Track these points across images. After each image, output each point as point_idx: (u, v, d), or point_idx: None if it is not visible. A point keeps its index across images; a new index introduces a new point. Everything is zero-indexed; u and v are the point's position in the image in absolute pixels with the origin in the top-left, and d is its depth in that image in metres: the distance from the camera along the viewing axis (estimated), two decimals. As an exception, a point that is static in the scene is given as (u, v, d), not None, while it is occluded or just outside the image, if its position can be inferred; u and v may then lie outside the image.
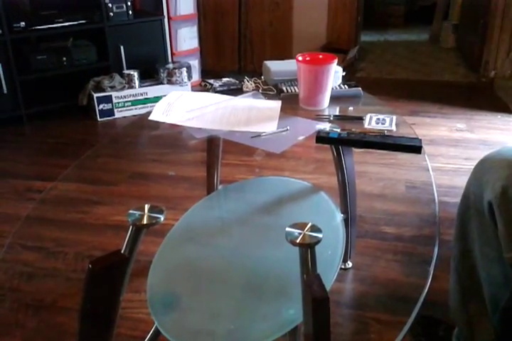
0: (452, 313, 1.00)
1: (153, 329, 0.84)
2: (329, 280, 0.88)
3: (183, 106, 1.14)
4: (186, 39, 3.01)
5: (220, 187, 1.33)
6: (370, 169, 2.07)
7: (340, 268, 1.47)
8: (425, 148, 2.61)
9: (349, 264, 1.47)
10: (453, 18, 4.05)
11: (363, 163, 2.09)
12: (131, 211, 0.76)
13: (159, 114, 1.09)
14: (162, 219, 0.76)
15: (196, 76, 3.10)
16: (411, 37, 4.58)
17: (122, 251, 0.75)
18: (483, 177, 0.79)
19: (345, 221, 1.38)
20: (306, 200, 1.20)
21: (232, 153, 2.14)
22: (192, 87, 2.80)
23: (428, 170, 1.05)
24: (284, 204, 1.15)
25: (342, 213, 1.34)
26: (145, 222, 0.75)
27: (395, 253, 1.55)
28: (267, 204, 1.13)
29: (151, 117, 1.09)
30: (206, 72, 3.23)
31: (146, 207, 0.78)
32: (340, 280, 1.43)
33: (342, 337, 1.24)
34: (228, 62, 3.44)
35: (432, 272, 0.82)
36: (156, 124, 1.13)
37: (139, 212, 0.76)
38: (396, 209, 1.80)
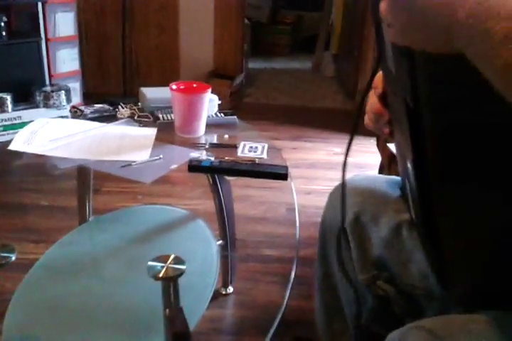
0: (319, 332, 1.04)
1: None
2: (200, 310, 0.88)
3: (48, 134, 1.09)
4: (66, 61, 2.90)
5: (91, 218, 1.28)
6: (253, 193, 2.12)
7: (222, 294, 1.47)
8: (305, 171, 2.74)
9: (230, 289, 1.48)
10: (333, 49, 4.33)
11: (247, 187, 2.14)
12: (-23, 251, 0.71)
13: (20, 143, 1.04)
14: (13, 258, 0.71)
15: (77, 99, 2.99)
16: (295, 65, 4.81)
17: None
18: (337, 204, 0.84)
19: (224, 247, 1.39)
20: (182, 229, 1.19)
21: (112, 180, 2.07)
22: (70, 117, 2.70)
23: (293, 194, 1.11)
24: (159, 235, 1.13)
25: (220, 239, 1.36)
26: (-7, 262, 0.70)
27: (275, 275, 1.59)
28: (140, 235, 1.10)
29: (11, 147, 1.02)
30: (89, 95, 3.13)
31: (-5, 245, 0.73)
32: (221, 307, 1.43)
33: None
34: (113, 86, 3.36)
35: (287, 294, 0.85)
36: (20, 153, 1.07)
37: (-14, 252, 0.71)
38: (277, 231, 1.85)
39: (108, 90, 3.29)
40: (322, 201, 2.19)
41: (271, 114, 3.30)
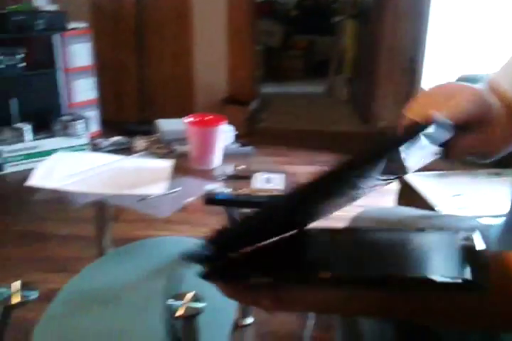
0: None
1: None
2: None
3: (66, 169, 1.10)
4: (83, 90, 2.96)
5: (110, 249, 1.28)
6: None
7: (241, 325, 1.45)
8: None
9: (250, 320, 1.46)
10: (346, 72, 4.35)
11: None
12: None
13: (39, 178, 1.05)
14: (33, 297, 0.72)
15: (95, 127, 3.04)
16: (309, 89, 4.84)
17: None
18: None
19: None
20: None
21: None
22: (91, 137, 2.74)
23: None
24: (178, 267, 1.13)
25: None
26: (15, 301, 0.70)
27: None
28: (159, 267, 1.10)
29: (30, 182, 1.04)
30: (106, 123, 3.18)
31: (17, 284, 0.73)
32: (241, 338, 1.41)
33: None
34: (130, 113, 3.41)
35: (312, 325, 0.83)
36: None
37: (7, 292, 0.71)
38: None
39: (125, 118, 3.34)
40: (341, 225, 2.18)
41: (285, 138, 3.30)
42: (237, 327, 1.44)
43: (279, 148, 3.06)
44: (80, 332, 0.90)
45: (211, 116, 1.28)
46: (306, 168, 2.82)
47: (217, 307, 0.96)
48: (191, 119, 1.23)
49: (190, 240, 1.27)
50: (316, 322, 1.43)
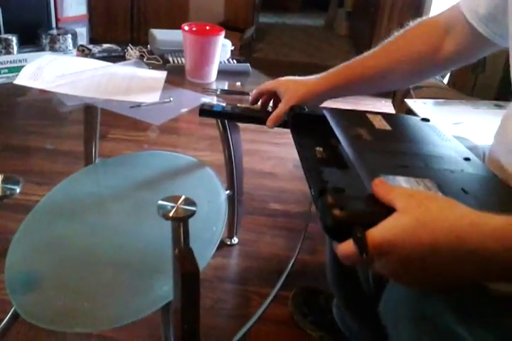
0: (330, 284, 1.04)
1: (11, 311, 0.77)
2: (207, 255, 0.86)
3: (55, 70, 1.04)
4: (73, 5, 2.80)
5: (97, 160, 1.25)
6: (262, 148, 2.08)
7: (226, 245, 1.47)
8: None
9: (235, 240, 1.47)
10: (347, 6, 4.18)
11: (256, 142, 2.10)
12: (-18, 182, 0.68)
13: (26, 78, 0.99)
14: (18, 190, 0.69)
15: (84, 44, 2.91)
16: (307, 22, 4.67)
17: (-29, 226, 0.67)
18: None
19: (231, 198, 1.37)
20: (190, 175, 1.17)
21: (119, 127, 2.04)
22: (77, 55, 2.62)
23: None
24: (166, 179, 1.11)
25: (228, 190, 1.33)
26: (-3, 194, 0.68)
27: (281, 229, 1.58)
28: (147, 178, 1.08)
29: (17, 81, 0.98)
30: (95, 41, 3.04)
31: (0, 177, 0.70)
32: (225, 256, 1.43)
33: (224, 312, 1.23)
34: (120, 32, 3.26)
35: (298, 247, 0.84)
36: (25, 90, 1.03)
37: (-11, 185, 0.69)
38: (284, 186, 1.83)
39: (115, 36, 3.20)
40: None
41: (280, 69, 3.19)
42: (223, 246, 1.45)
43: (272, 78, 2.97)
44: (63, 238, 0.89)
45: (209, 27, 1.21)
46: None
47: (205, 218, 0.96)
48: (189, 28, 1.16)
49: (182, 156, 1.24)
50: (301, 245, 1.45)
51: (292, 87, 0.89)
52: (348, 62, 0.88)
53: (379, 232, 0.46)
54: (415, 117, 0.80)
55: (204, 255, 0.86)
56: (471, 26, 0.76)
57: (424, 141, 0.71)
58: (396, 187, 0.51)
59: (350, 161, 0.64)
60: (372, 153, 0.64)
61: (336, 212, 0.49)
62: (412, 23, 0.86)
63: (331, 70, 0.90)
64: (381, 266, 0.47)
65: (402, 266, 0.45)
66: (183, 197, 0.74)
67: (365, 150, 0.65)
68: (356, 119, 0.76)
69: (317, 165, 0.65)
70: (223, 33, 1.18)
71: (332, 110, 0.80)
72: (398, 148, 0.67)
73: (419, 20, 0.86)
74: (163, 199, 0.72)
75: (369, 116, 0.77)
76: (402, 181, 0.55)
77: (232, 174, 1.33)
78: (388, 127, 0.74)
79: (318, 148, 0.72)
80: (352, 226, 0.48)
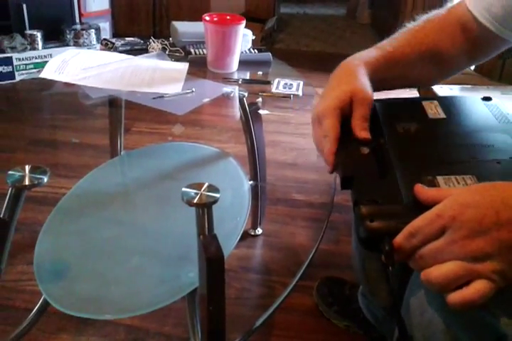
0: (355, 272, 1.04)
1: (41, 300, 0.79)
2: (231, 244, 0.87)
3: (80, 63, 1.05)
4: (96, 0, 2.83)
5: (123, 152, 1.26)
6: (285, 139, 2.08)
7: (250, 235, 1.47)
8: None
9: (259, 231, 1.48)
10: (369, -6, 4.13)
11: (278, 133, 2.10)
12: (10, 172, 0.70)
13: (51, 71, 1.01)
14: (45, 180, 0.70)
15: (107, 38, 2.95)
16: (329, 11, 4.62)
17: (1, 215, 0.69)
18: None
19: (255, 188, 1.38)
20: (213, 166, 1.17)
21: (143, 120, 2.06)
22: (101, 49, 2.65)
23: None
24: (190, 170, 1.12)
25: (251, 180, 1.34)
26: (26, 183, 0.69)
27: (305, 220, 1.58)
28: (171, 169, 1.09)
29: (42, 75, 1.00)
30: (118, 36, 3.07)
31: (27, 167, 0.71)
32: (249, 247, 1.44)
33: (248, 301, 1.24)
34: (143, 27, 3.29)
35: (320, 237, 0.83)
36: (50, 84, 1.04)
37: (19, 173, 0.70)
38: (307, 177, 1.82)
39: (138, 31, 3.22)
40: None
41: (302, 60, 3.18)
42: (247, 236, 1.46)
43: (295, 69, 2.95)
44: (91, 228, 0.90)
45: (230, 16, 1.20)
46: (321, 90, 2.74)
47: (229, 207, 0.96)
48: (210, 18, 1.16)
49: (205, 147, 1.25)
50: (325, 236, 1.45)
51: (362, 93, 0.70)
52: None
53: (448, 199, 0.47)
54: (476, 97, 0.74)
55: (228, 244, 0.86)
56: (482, 26, 0.74)
57: (478, 127, 0.67)
58: (438, 191, 0.50)
59: (391, 164, 0.61)
60: (418, 151, 0.61)
61: (368, 223, 0.49)
62: (424, 17, 0.81)
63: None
64: (452, 231, 0.45)
65: (477, 223, 0.44)
66: (206, 184, 0.74)
67: (409, 149, 0.62)
68: (409, 110, 0.71)
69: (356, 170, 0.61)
70: (244, 22, 1.17)
71: (383, 102, 0.74)
72: (447, 141, 0.64)
73: (430, 14, 0.82)
74: (186, 187, 0.72)
75: (424, 103, 0.72)
76: (441, 182, 0.53)
77: (255, 165, 1.33)
78: (443, 115, 0.69)
79: (363, 148, 0.67)
80: (383, 237, 0.47)
